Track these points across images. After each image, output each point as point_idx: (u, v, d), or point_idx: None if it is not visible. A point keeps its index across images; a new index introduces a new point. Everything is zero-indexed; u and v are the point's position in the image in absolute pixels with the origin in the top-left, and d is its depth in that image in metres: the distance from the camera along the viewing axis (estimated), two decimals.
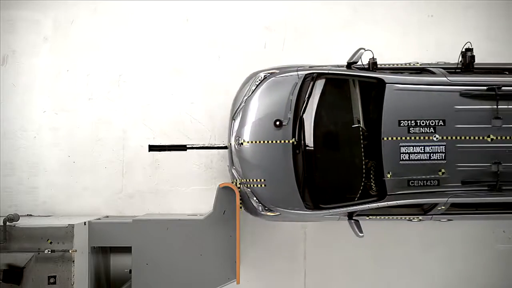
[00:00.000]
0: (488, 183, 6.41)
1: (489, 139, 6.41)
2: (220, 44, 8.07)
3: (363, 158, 6.66)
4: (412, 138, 6.40)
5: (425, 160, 6.40)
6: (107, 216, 7.77)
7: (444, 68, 6.76)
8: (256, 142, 6.60)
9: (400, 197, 6.43)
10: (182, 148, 6.84)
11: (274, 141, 6.57)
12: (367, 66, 6.74)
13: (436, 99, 6.45)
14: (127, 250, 6.74)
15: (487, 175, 6.41)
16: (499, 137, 6.40)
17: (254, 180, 6.63)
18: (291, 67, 6.80)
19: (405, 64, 6.93)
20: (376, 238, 7.93)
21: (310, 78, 6.63)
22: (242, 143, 6.63)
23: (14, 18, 8.15)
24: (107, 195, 7.98)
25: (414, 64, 6.91)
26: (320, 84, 6.70)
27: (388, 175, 6.40)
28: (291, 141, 6.53)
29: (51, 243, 6.34)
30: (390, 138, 6.40)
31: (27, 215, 7.78)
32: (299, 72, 6.65)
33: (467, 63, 6.72)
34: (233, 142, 6.73)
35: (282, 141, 6.55)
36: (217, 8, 8.15)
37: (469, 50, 6.72)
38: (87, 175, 7.97)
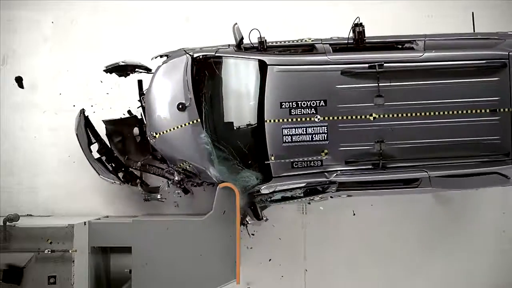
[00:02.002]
0: (371, 161, 6.29)
1: (371, 118, 6.25)
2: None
3: (253, 140, 6.49)
4: (294, 120, 6.27)
5: (308, 141, 6.28)
6: (107, 216, 7.77)
7: (335, 44, 6.49)
8: (167, 131, 6.48)
9: (285, 179, 6.33)
10: None
11: (182, 125, 6.44)
12: (257, 46, 6.53)
13: (317, 79, 6.27)
14: (127, 250, 6.73)
15: (371, 154, 6.28)
16: (381, 116, 6.24)
17: (181, 166, 6.60)
18: (180, 50, 6.66)
19: (296, 41, 6.65)
20: (376, 238, 7.94)
21: (204, 58, 6.50)
22: (155, 136, 6.54)
23: (14, 18, 8.16)
24: (107, 195, 7.98)
25: (305, 40, 6.62)
26: (222, 64, 6.53)
27: (272, 158, 6.29)
28: (198, 121, 6.39)
29: (51, 243, 6.33)
30: (272, 121, 6.30)
31: (27, 215, 7.78)
32: (188, 54, 6.50)
33: (357, 38, 6.42)
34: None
35: (190, 122, 6.43)
36: (217, 8, 8.15)
37: (358, 25, 6.40)
38: (87, 175, 7.95)
